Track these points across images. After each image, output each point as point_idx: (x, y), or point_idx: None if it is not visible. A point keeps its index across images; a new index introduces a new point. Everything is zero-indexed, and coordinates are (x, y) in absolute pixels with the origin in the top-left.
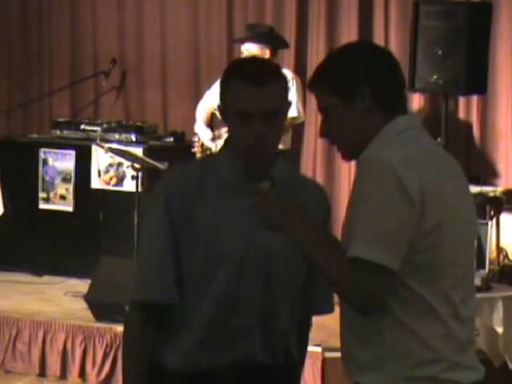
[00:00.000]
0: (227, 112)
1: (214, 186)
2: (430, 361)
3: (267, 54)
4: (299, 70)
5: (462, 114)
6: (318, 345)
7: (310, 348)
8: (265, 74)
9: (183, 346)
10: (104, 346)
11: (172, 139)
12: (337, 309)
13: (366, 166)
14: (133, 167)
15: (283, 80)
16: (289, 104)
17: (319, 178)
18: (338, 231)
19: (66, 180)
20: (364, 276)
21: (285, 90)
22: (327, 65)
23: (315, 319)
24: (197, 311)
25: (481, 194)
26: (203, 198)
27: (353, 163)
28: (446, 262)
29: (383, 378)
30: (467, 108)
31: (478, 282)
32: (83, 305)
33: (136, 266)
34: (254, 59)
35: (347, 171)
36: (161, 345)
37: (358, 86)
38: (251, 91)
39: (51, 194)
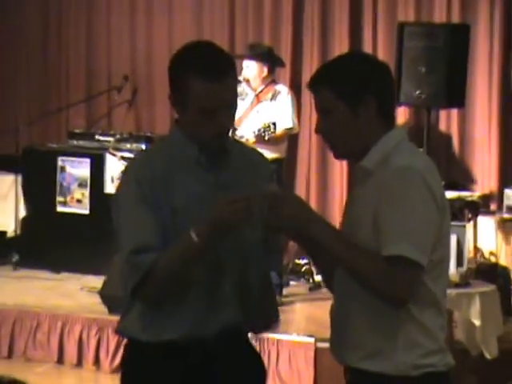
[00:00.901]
0: (185, 106)
1: (178, 166)
2: (434, 351)
3: (265, 71)
4: (294, 86)
5: (442, 126)
6: (311, 335)
7: (304, 338)
8: (221, 68)
9: (171, 320)
10: (116, 336)
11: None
12: (327, 304)
13: (396, 173)
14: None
15: (235, 66)
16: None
17: (313, 185)
18: None
19: (81, 185)
20: (405, 272)
21: (236, 76)
22: (336, 69)
23: (307, 313)
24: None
25: (459, 199)
26: (170, 179)
27: (344, 171)
28: (447, 259)
29: (393, 366)
30: (447, 120)
31: (457, 278)
32: (97, 299)
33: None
34: (207, 50)
35: (339, 178)
36: (151, 322)
37: (365, 95)
38: (212, 88)
39: (68, 198)
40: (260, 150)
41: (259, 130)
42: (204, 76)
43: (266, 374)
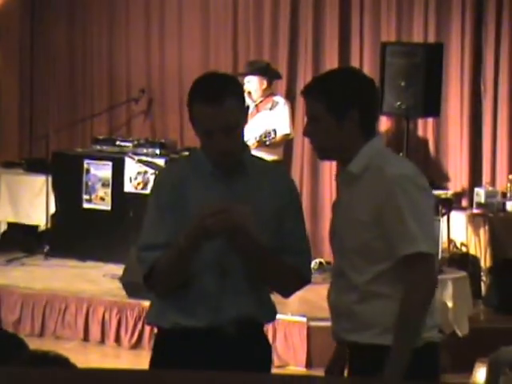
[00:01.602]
0: (195, 127)
1: (196, 175)
2: (433, 327)
3: (265, 84)
4: (290, 97)
5: (420, 133)
6: (303, 315)
7: (297, 318)
8: (220, 95)
9: (192, 309)
10: (134, 317)
11: (188, 153)
12: (316, 287)
13: (394, 182)
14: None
15: (238, 93)
16: (246, 111)
17: (305, 184)
18: (322, 229)
19: (104, 185)
20: (425, 264)
21: (240, 102)
22: (329, 84)
23: (300, 296)
24: (199, 279)
25: (434, 196)
26: (189, 187)
27: (333, 172)
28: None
29: None
30: (424, 128)
31: None
32: (118, 285)
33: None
34: (210, 80)
35: (329, 179)
36: (174, 311)
37: (351, 110)
38: (210, 112)
39: (93, 196)
40: (260, 152)
41: (261, 136)
42: (201, 102)
43: (271, 363)
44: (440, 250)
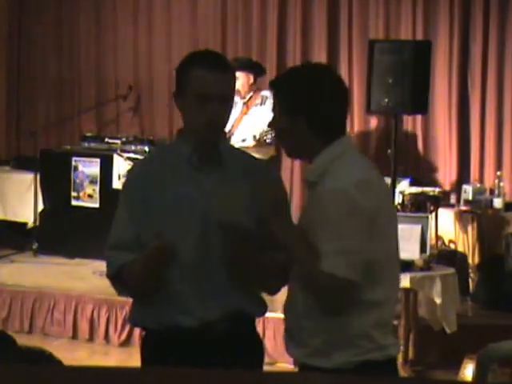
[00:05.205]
0: (185, 96)
1: (169, 168)
2: (371, 350)
3: (251, 79)
4: None
5: (408, 130)
6: None
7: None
8: (222, 62)
9: (166, 309)
10: (124, 314)
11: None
12: None
13: (327, 196)
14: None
15: (234, 70)
16: (235, 92)
17: (295, 177)
18: None
19: (92, 182)
20: (336, 287)
21: (235, 79)
22: (284, 85)
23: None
24: (179, 283)
25: (423, 193)
26: (161, 181)
27: None
28: (383, 260)
29: (331, 362)
30: (413, 125)
31: (420, 263)
32: (107, 282)
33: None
34: (208, 51)
35: None
36: (158, 312)
37: (298, 115)
38: (211, 76)
39: (81, 194)
40: (258, 150)
41: (260, 134)
42: (205, 65)
43: (264, 359)
44: (428, 247)
